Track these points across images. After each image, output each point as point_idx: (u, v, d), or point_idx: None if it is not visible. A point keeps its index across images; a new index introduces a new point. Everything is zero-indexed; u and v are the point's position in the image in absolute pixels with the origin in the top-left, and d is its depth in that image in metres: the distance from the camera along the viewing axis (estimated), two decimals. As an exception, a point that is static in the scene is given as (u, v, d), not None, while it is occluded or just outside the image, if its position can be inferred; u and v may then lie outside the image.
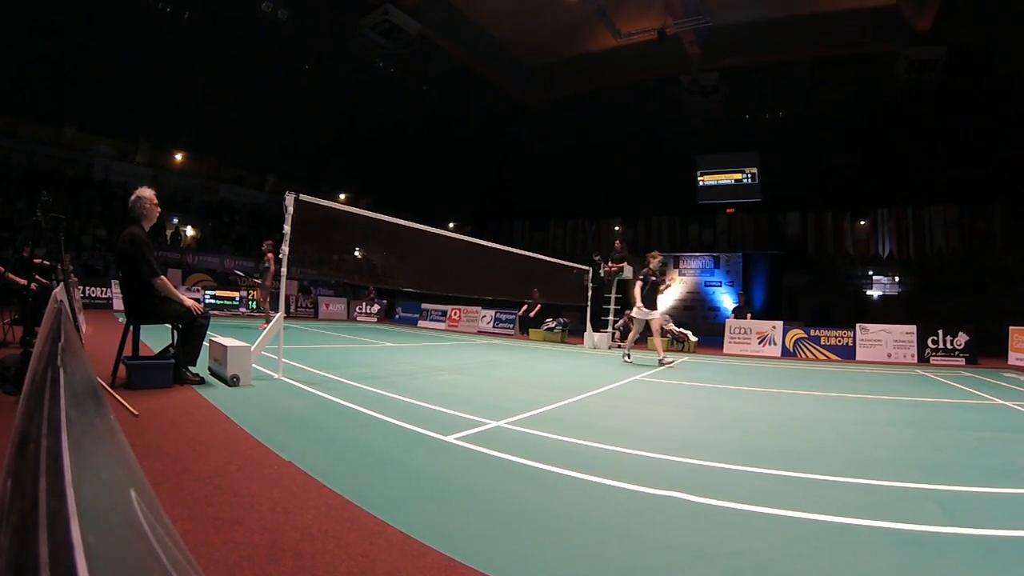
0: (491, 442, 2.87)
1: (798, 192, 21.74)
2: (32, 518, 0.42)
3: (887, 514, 2.02)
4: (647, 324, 8.15)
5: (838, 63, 18.08)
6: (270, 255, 9.62)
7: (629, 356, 8.25)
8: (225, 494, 1.91)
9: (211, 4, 17.00)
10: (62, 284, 2.70)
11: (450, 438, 2.92)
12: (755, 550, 1.69)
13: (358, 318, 18.40)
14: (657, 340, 8.08)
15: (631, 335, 8.33)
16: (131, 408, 3.03)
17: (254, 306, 16.89)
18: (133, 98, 18.80)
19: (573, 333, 13.28)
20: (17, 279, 5.47)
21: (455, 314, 16.47)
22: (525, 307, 14.19)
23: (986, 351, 11.23)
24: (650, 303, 8.00)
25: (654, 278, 8.04)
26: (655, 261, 8.13)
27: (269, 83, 20.33)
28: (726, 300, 23.27)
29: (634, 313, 8.15)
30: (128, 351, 4.01)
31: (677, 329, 11.77)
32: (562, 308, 13.79)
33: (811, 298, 20.67)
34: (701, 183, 24.11)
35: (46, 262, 6.09)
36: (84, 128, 20.03)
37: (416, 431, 3.05)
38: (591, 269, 12.06)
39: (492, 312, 15.54)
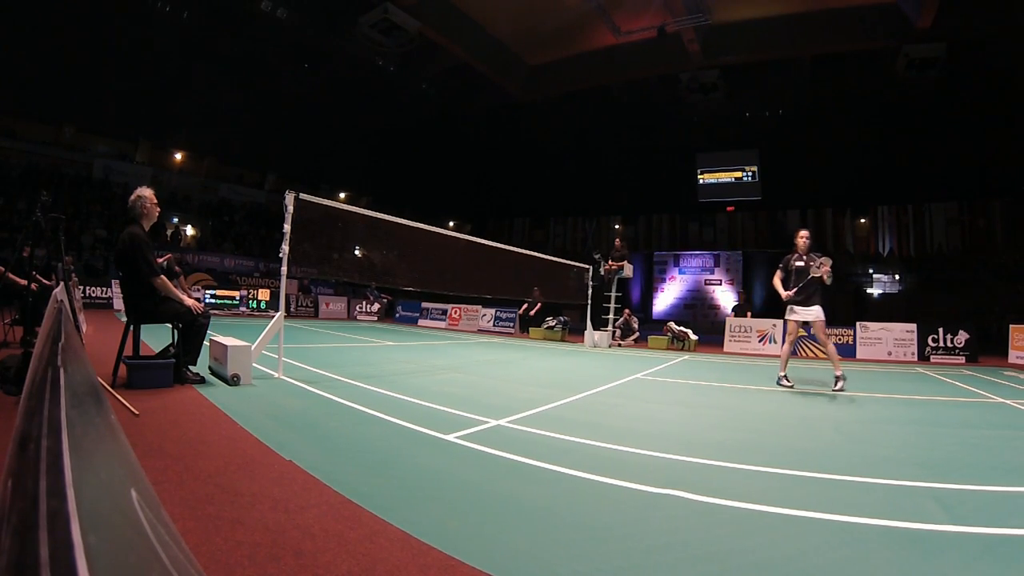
0: (491, 441, 2.88)
1: (798, 190, 21.73)
2: (32, 518, 0.42)
3: (887, 512, 2.03)
4: (789, 327, 5.83)
5: (838, 60, 18.05)
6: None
7: (788, 379, 5.86)
8: (226, 493, 1.91)
9: (211, 3, 16.97)
10: (62, 284, 2.70)
11: (450, 437, 2.92)
12: (755, 548, 1.70)
13: (358, 317, 18.41)
14: (830, 348, 5.74)
15: (785, 348, 5.98)
16: (132, 408, 3.04)
17: (253, 305, 16.90)
18: (133, 98, 18.80)
19: (573, 331, 13.28)
20: (17, 279, 5.48)
21: (455, 313, 16.47)
22: (525, 305, 14.19)
23: (986, 349, 11.23)
24: (807, 297, 5.75)
25: (800, 263, 5.82)
26: (802, 241, 5.94)
27: (269, 82, 20.32)
28: (726, 298, 23.30)
29: (788, 315, 5.83)
30: (128, 351, 4.01)
31: (677, 328, 11.77)
32: (562, 306, 13.79)
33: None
34: (701, 181, 24.12)
35: (45, 280, 6.11)
36: (84, 128, 20.02)
37: (416, 430, 3.05)
38: (591, 267, 12.06)
39: (492, 311, 15.54)
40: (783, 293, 5.83)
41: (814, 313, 5.70)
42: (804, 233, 6.03)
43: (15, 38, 15.58)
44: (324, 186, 24.04)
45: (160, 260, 9.77)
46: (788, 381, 5.83)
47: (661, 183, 24.43)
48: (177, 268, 10.22)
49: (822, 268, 5.60)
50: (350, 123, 22.85)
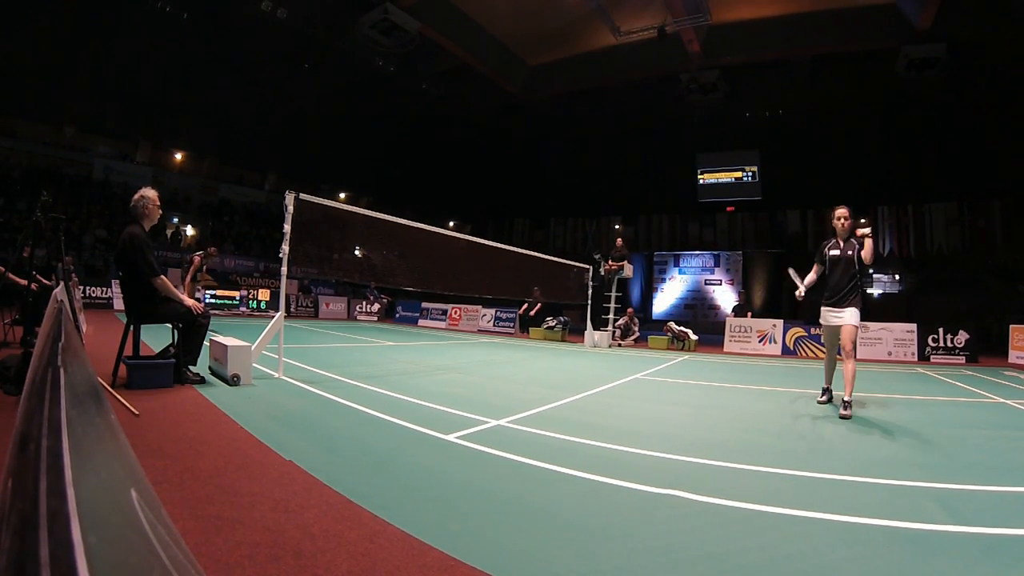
0: (491, 441, 2.88)
1: (798, 190, 21.74)
2: (33, 518, 0.42)
3: (888, 512, 2.02)
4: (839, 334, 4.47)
5: (838, 61, 18.07)
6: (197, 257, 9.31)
7: (827, 393, 4.84)
8: (226, 493, 1.91)
9: (211, 3, 16.98)
10: (62, 284, 2.70)
11: (450, 437, 2.92)
12: (755, 548, 1.70)
13: (358, 317, 18.40)
14: (849, 367, 4.28)
15: (825, 363, 4.85)
16: (132, 408, 3.03)
17: (253, 305, 16.91)
18: (133, 98, 18.80)
19: (573, 332, 13.28)
20: (18, 279, 5.48)
21: (455, 313, 16.47)
22: (525, 306, 14.20)
23: (986, 349, 11.23)
24: (837, 295, 4.52)
25: (835, 252, 4.60)
26: (840, 222, 4.59)
27: (269, 82, 20.32)
28: (727, 298, 23.30)
29: (823, 318, 4.67)
30: (129, 351, 4.01)
31: (678, 328, 11.77)
32: (562, 307, 13.79)
33: (812, 296, 20.64)
34: (701, 181, 24.13)
35: (45, 280, 6.10)
36: (84, 128, 20.03)
37: (416, 430, 3.05)
38: (591, 267, 12.06)
39: (492, 311, 15.54)
40: (798, 290, 4.88)
41: (844, 317, 4.41)
42: (841, 212, 4.58)
43: (15, 38, 15.58)
44: (324, 186, 24.05)
45: (197, 257, 9.18)
46: (824, 396, 4.82)
47: (661, 183, 24.44)
48: (212, 250, 9.57)
49: (865, 241, 4.33)
50: (350, 123, 22.85)
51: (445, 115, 24.29)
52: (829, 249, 4.64)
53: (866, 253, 4.37)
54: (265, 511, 1.78)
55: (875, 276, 21.46)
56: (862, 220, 4.62)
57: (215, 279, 17.98)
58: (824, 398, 4.80)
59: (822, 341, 5.01)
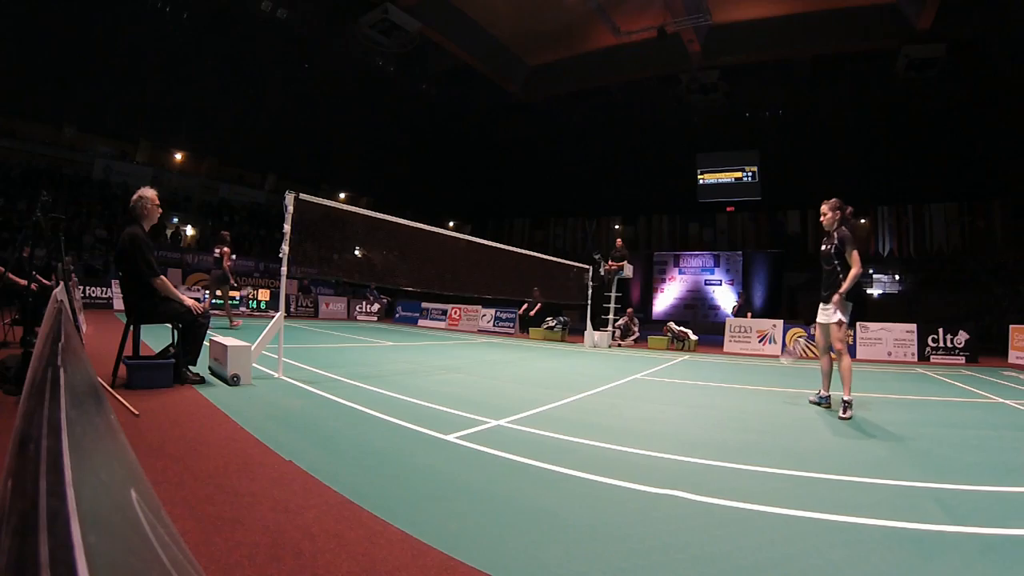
0: (491, 441, 2.88)
1: (798, 190, 21.75)
2: (32, 518, 0.42)
3: (887, 512, 2.03)
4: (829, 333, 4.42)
5: (838, 61, 18.10)
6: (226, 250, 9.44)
7: (822, 396, 4.69)
8: (226, 493, 1.91)
9: (211, 3, 16.99)
10: (62, 284, 2.70)
11: (450, 437, 2.92)
12: (755, 548, 1.70)
13: (358, 317, 18.40)
14: (845, 366, 4.26)
15: (823, 363, 4.69)
16: (131, 408, 3.04)
17: (253, 305, 16.90)
18: (133, 98, 18.80)
19: (573, 332, 13.28)
20: (18, 279, 5.48)
21: (455, 313, 16.47)
22: (525, 306, 14.19)
23: (986, 349, 11.23)
24: (826, 290, 4.45)
25: (824, 247, 4.53)
26: (823, 217, 4.54)
27: (269, 82, 20.33)
28: (726, 298, 23.30)
29: (820, 316, 4.52)
30: (128, 351, 4.01)
31: (677, 328, 11.77)
32: (562, 307, 13.79)
33: (811, 296, 20.65)
34: (701, 181, 24.13)
35: (45, 280, 6.10)
36: (84, 128, 20.03)
37: (416, 430, 3.05)
38: (591, 268, 12.06)
39: (492, 311, 15.54)
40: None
41: (826, 314, 4.38)
42: (822, 207, 4.53)
43: (15, 38, 15.59)
44: (324, 186, 24.04)
45: (227, 248, 9.22)
46: (819, 399, 4.69)
47: (661, 183, 24.45)
48: (224, 233, 9.65)
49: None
50: (350, 123, 22.85)
51: (445, 115, 24.31)
52: (822, 245, 4.62)
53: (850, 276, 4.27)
54: (265, 511, 1.78)
55: (875, 276, 21.48)
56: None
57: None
58: (815, 399, 4.72)
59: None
